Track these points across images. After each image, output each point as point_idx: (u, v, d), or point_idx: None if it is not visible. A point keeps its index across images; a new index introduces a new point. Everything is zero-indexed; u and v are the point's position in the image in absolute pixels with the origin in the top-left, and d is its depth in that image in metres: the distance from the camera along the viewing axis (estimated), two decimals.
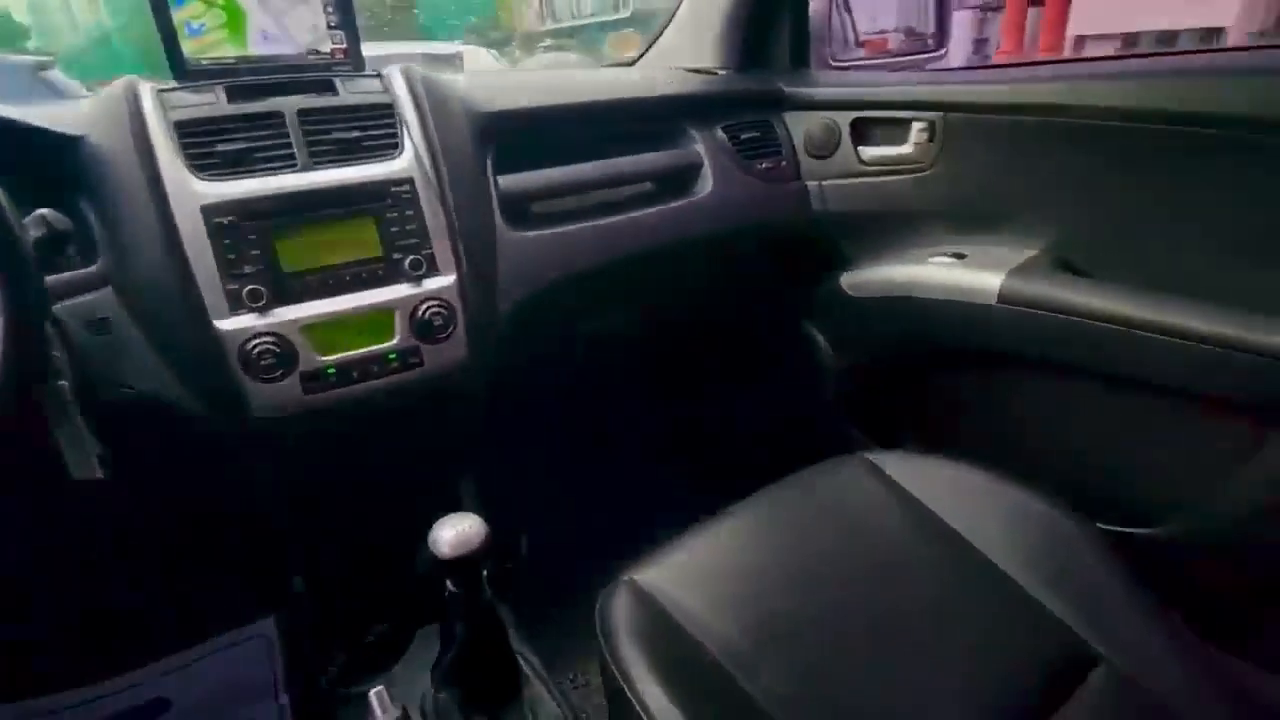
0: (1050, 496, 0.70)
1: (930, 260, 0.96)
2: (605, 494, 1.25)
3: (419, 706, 0.86)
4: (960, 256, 0.94)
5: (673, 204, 0.97)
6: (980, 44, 10.54)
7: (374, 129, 0.73)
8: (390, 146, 0.74)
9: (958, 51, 10.34)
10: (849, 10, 1.49)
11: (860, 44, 1.56)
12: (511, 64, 7.54)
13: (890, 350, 1.08)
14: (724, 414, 1.41)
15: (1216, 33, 5.50)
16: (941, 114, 0.94)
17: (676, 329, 1.30)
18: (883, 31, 1.62)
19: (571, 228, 0.88)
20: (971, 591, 0.65)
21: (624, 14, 8.66)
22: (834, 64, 1.21)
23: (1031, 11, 9.63)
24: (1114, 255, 0.85)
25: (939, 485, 0.74)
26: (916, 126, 0.97)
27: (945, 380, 1.04)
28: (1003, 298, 0.86)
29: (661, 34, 1.22)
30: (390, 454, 0.84)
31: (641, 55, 1.26)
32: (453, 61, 5.55)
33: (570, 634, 0.87)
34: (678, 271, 1.10)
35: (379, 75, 0.78)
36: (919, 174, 0.98)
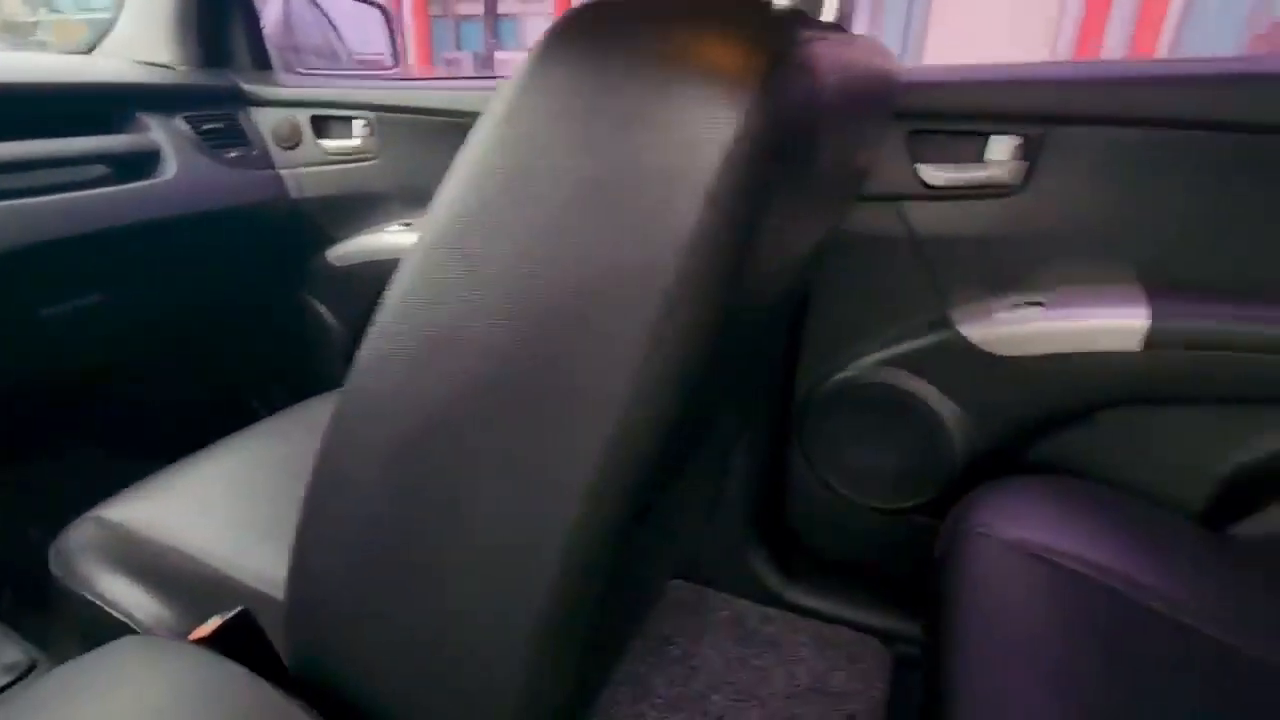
0: None
1: (387, 230, 1.22)
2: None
3: None
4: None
5: (128, 186, 1.03)
6: None
7: None
8: None
9: None
10: (336, 30, 1.68)
11: (358, 63, 1.77)
12: None
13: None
14: (232, 391, 1.47)
15: None
16: (375, 114, 1.19)
17: (184, 311, 1.30)
18: (378, 54, 1.85)
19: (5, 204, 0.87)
20: None
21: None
22: (298, 71, 1.39)
23: None
24: None
25: None
26: (358, 123, 1.21)
27: None
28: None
29: (113, 27, 1.24)
30: None
31: (93, 47, 1.25)
32: None
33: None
34: (155, 254, 1.14)
35: None
36: (369, 162, 1.22)
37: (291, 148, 1.24)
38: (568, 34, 0.33)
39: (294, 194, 1.25)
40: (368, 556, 0.41)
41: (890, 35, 9.58)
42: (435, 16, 13.02)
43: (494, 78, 1.23)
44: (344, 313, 1.33)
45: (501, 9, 12.79)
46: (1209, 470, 0.85)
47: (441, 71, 12.29)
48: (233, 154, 1.18)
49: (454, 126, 1.14)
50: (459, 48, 13.03)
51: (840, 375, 1.00)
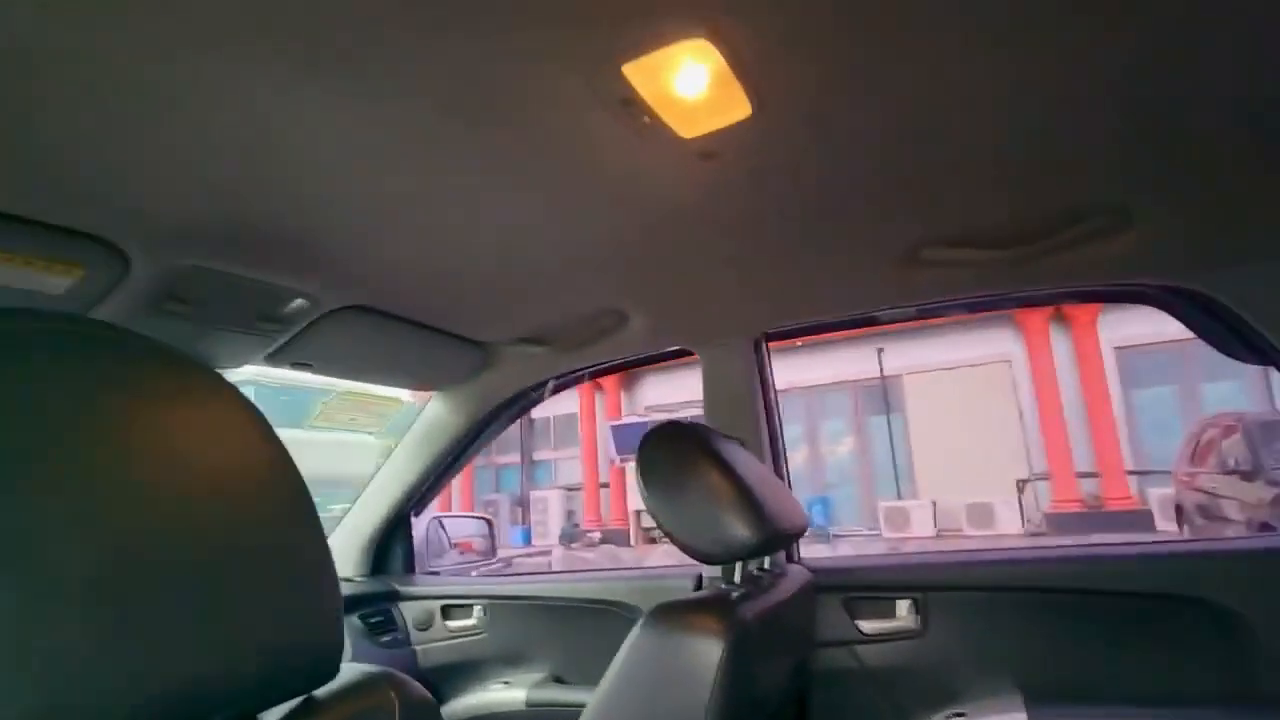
0: None
1: (491, 687, 1.63)
2: None
3: None
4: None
5: None
6: (569, 514, 13.19)
7: None
8: None
9: (555, 521, 12.74)
10: (444, 529, 2.35)
11: (454, 546, 2.39)
12: None
13: None
14: None
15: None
16: (487, 601, 1.71)
17: None
18: (469, 537, 2.49)
19: None
20: None
21: None
22: (429, 570, 1.97)
23: (602, 492, 12.75)
24: None
25: None
26: (476, 608, 1.72)
27: None
28: None
29: None
30: None
31: None
32: None
33: None
34: None
35: None
36: (478, 636, 1.69)
37: (425, 629, 1.73)
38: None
39: (422, 664, 1.69)
40: None
41: (881, 464, 11.04)
42: (479, 466, 15.09)
43: (571, 571, 1.76)
44: None
45: (537, 456, 14.87)
46: None
47: (481, 511, 13.76)
48: (385, 638, 1.67)
49: (540, 606, 1.66)
50: (498, 490, 14.78)
51: None
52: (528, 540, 12.64)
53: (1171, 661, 1.17)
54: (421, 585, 1.80)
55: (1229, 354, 1.23)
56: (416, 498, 1.81)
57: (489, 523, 2.21)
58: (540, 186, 0.89)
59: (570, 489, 13.12)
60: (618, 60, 0.66)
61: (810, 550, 1.46)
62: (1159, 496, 8.26)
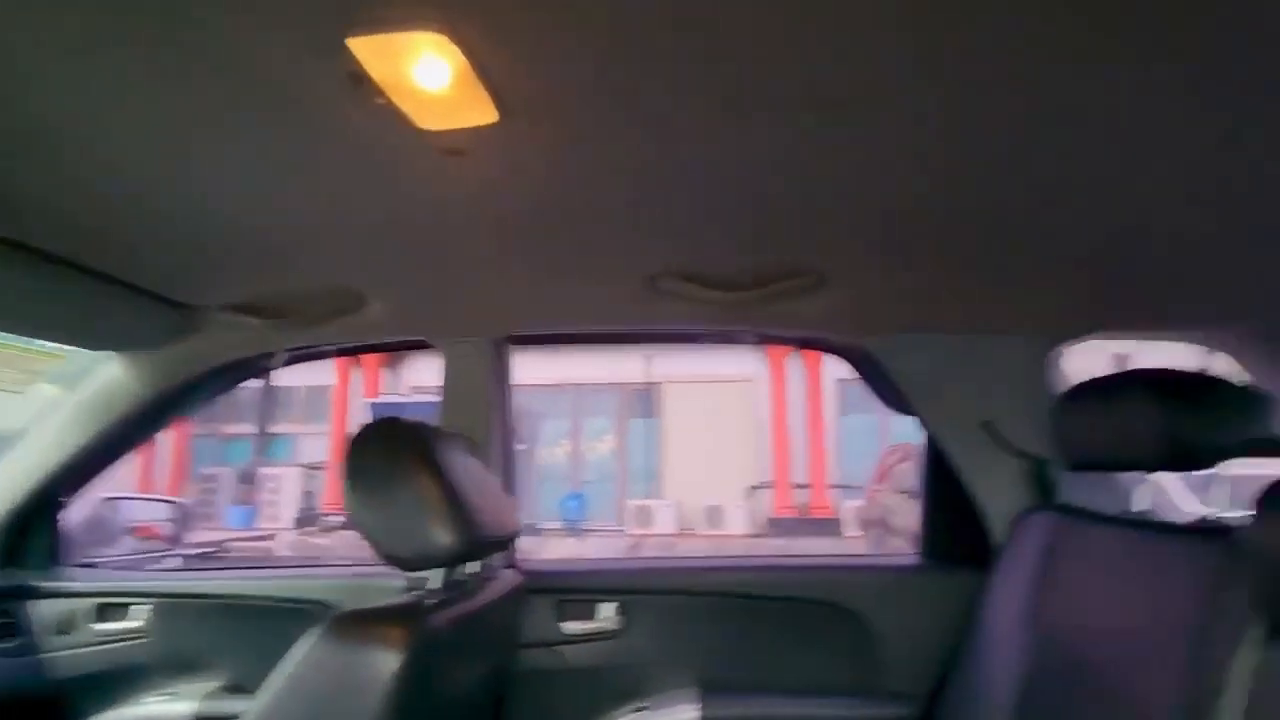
0: None
1: (148, 701, 1.40)
2: None
3: None
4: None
5: None
6: (308, 495, 12.02)
7: None
8: None
9: (290, 502, 11.53)
10: (118, 511, 1.99)
11: (131, 532, 2.04)
12: None
13: None
14: None
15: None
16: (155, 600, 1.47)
17: None
18: (150, 522, 2.14)
19: None
20: None
21: None
22: (84, 561, 1.64)
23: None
24: None
25: None
26: (142, 608, 1.47)
27: None
28: None
29: None
30: None
31: None
32: None
33: None
34: None
35: None
36: (138, 641, 1.46)
37: (66, 632, 1.44)
38: None
39: (53, 674, 1.40)
40: None
41: (639, 465, 11.70)
42: (199, 435, 13.05)
43: (270, 566, 1.60)
44: None
45: (276, 429, 13.26)
46: None
47: (196, 486, 11.90)
48: (8, 644, 1.35)
49: (225, 607, 1.47)
50: (223, 464, 12.86)
51: None
52: (251, 522, 11.22)
53: (818, 659, 1.39)
54: (70, 580, 1.50)
55: (885, 403, 1.50)
56: (74, 475, 1.50)
57: (178, 505, 1.91)
58: (254, 144, 0.79)
59: (313, 467, 11.92)
60: (340, 31, 0.60)
61: (563, 544, 1.48)
62: (851, 508, 9.88)
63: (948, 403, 1.37)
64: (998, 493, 1.32)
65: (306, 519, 11.00)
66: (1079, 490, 1.23)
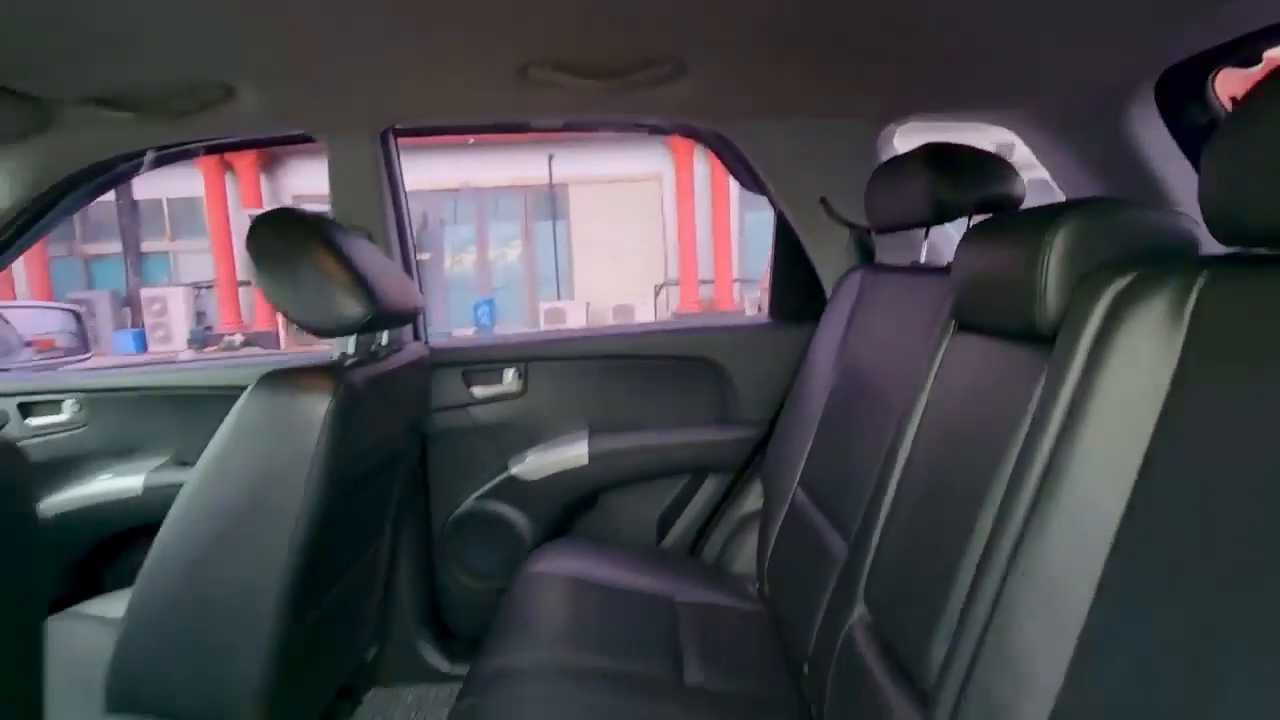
0: None
1: (99, 479, 1.57)
2: None
3: None
4: None
5: None
6: (200, 316, 11.51)
7: None
8: None
9: (180, 324, 11.03)
10: (7, 322, 1.99)
11: (28, 343, 2.06)
12: None
13: None
14: None
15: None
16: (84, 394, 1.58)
17: None
18: (48, 333, 2.14)
19: None
20: None
21: None
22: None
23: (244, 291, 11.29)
24: None
25: None
26: (68, 403, 1.58)
27: None
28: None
29: None
30: None
31: None
32: None
33: None
34: None
35: None
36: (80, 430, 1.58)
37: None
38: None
39: None
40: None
41: (546, 268, 11.77)
42: (58, 257, 11.89)
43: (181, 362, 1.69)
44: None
45: (147, 248, 12.24)
46: (652, 519, 1.71)
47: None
48: None
49: (158, 398, 1.60)
50: (91, 287, 11.88)
51: (459, 509, 1.65)
52: (143, 346, 10.78)
53: (687, 401, 1.71)
54: None
55: (742, 184, 1.68)
56: None
57: (76, 315, 1.92)
58: None
59: (200, 286, 11.31)
60: None
61: None
62: (751, 300, 10.56)
63: (791, 181, 1.57)
64: (830, 258, 1.58)
65: (203, 339, 10.68)
66: (891, 251, 1.50)
